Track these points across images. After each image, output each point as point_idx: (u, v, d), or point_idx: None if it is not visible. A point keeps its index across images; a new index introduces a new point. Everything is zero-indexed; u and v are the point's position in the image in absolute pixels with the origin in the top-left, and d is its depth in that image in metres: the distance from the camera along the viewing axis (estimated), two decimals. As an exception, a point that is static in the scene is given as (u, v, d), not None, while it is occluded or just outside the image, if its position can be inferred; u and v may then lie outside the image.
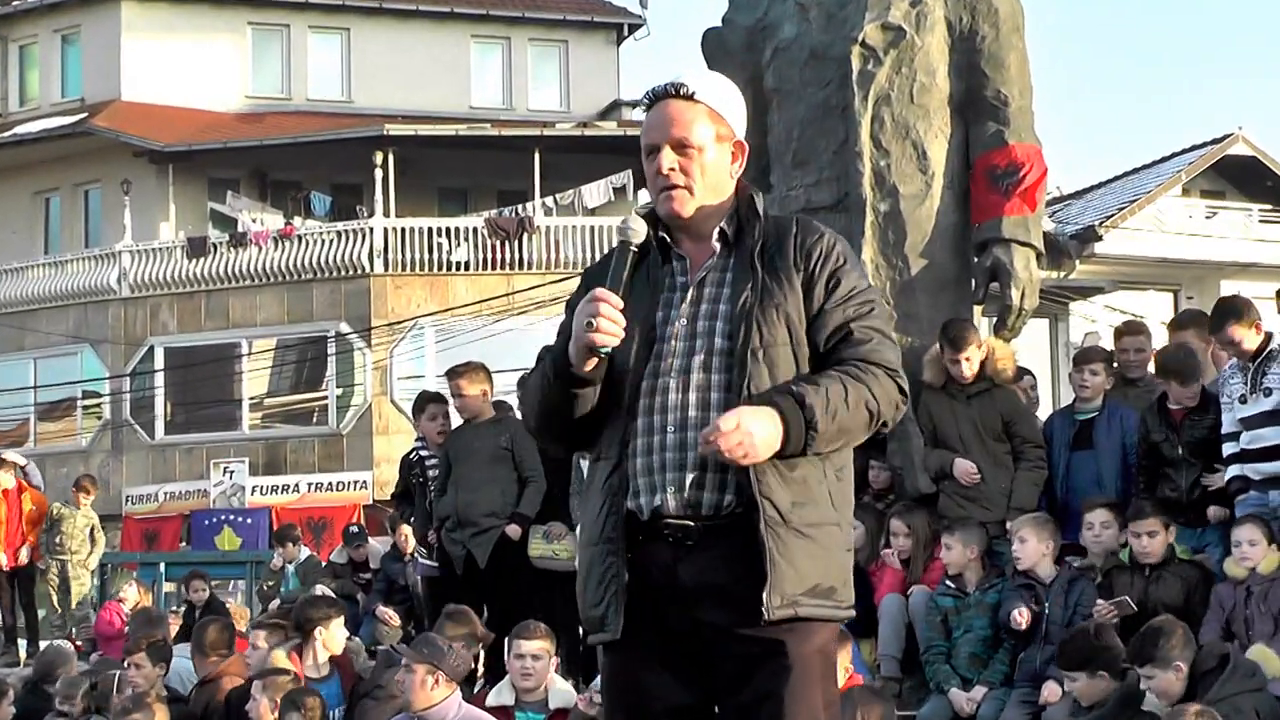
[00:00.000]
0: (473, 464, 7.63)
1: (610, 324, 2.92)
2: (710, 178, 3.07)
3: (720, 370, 2.99)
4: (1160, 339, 8.45)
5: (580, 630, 7.35)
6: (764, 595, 2.89)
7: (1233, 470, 6.34)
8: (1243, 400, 6.31)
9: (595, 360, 2.97)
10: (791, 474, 2.94)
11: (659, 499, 2.97)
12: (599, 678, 3.28)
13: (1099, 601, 6.11)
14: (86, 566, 13.00)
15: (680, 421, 2.98)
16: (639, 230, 3.05)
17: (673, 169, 3.05)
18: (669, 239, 3.11)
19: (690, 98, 3.07)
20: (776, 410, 2.88)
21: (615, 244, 3.07)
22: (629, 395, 3.01)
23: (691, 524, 2.95)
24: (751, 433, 2.84)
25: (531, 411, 3.17)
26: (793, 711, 2.93)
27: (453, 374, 7.98)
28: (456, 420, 8.17)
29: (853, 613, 3.06)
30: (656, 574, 2.97)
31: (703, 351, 3.01)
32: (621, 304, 2.95)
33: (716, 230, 3.09)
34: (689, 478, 2.95)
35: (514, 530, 7.56)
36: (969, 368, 6.85)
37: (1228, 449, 6.37)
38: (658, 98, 3.09)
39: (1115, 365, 7.51)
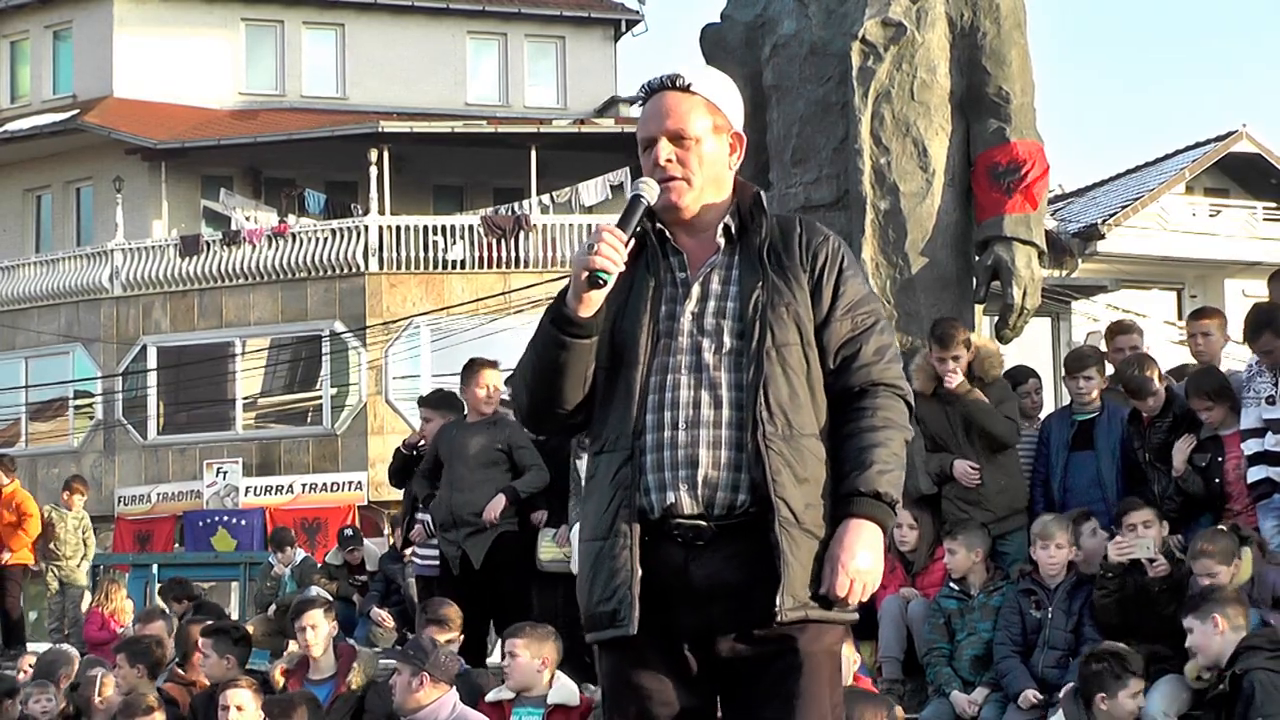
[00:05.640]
0: (467, 464, 7.58)
1: (611, 250, 2.90)
2: (709, 169, 3.06)
3: (731, 369, 2.99)
4: (1159, 338, 8.45)
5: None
6: (778, 597, 2.90)
7: (1257, 472, 6.30)
8: (1270, 401, 6.29)
9: (592, 296, 2.93)
10: (804, 473, 2.96)
11: (671, 497, 2.95)
12: (601, 679, 3.21)
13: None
14: (81, 570, 12.96)
15: (692, 420, 2.96)
16: (653, 189, 3.03)
17: (670, 160, 3.05)
18: (666, 233, 3.09)
19: (686, 89, 3.06)
20: (865, 519, 2.97)
21: (629, 198, 3.05)
22: (639, 389, 2.99)
23: (704, 524, 2.94)
24: (861, 570, 2.95)
25: (524, 381, 3.10)
26: (802, 710, 2.93)
27: (486, 364, 7.88)
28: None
29: (856, 616, 3.08)
30: (667, 574, 2.95)
31: (712, 350, 3.00)
32: (625, 238, 2.94)
33: (720, 226, 3.07)
34: (701, 476, 2.94)
35: (498, 501, 7.45)
36: (958, 367, 6.76)
37: (1250, 446, 6.34)
38: (653, 90, 3.09)
39: (1109, 366, 7.49)
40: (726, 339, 3.00)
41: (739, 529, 2.95)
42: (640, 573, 2.94)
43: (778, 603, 2.90)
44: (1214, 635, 5.38)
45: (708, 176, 3.05)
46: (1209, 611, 5.40)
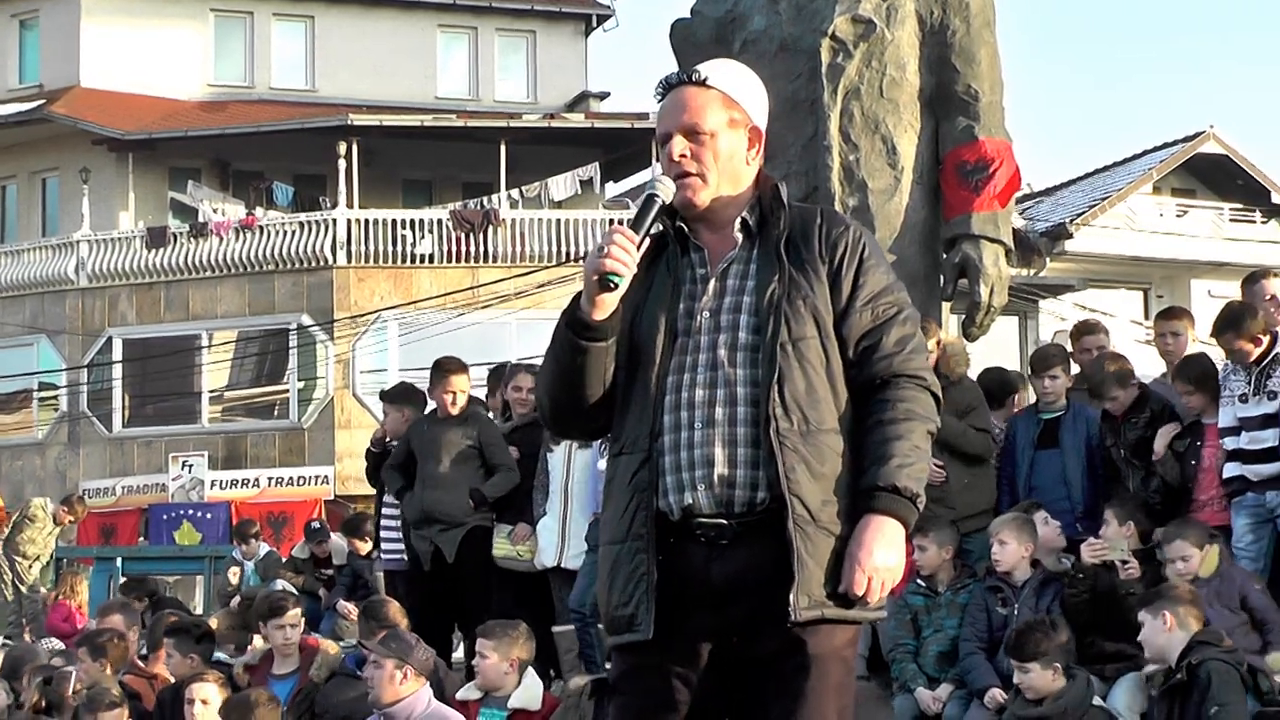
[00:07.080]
0: (440, 461, 7.56)
1: (622, 252, 2.85)
2: (725, 164, 3.02)
3: (746, 365, 2.93)
4: (1125, 337, 8.46)
5: (552, 629, 7.32)
6: (791, 596, 2.85)
7: (1231, 469, 6.30)
8: (1243, 400, 6.29)
9: (605, 299, 2.88)
10: (821, 469, 2.90)
11: (689, 497, 2.91)
12: (611, 679, 3.14)
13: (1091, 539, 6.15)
14: (34, 570, 13.17)
15: (707, 418, 2.91)
16: (668, 188, 2.98)
17: (684, 155, 3.00)
18: (686, 230, 3.05)
19: (702, 84, 3.03)
20: (884, 514, 2.89)
21: (643, 197, 2.99)
22: (655, 389, 2.94)
23: (725, 522, 2.90)
24: (879, 567, 2.87)
25: (545, 385, 3.06)
26: (806, 711, 2.89)
27: (455, 369, 7.80)
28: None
29: (883, 613, 3.03)
30: (688, 575, 2.91)
31: (727, 345, 2.94)
32: (638, 239, 2.89)
33: (738, 220, 3.02)
34: (717, 475, 2.90)
35: (467, 506, 7.46)
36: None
37: (1227, 444, 6.34)
38: (670, 86, 3.05)
39: (1075, 366, 7.49)
40: (742, 334, 2.94)
41: (761, 527, 2.89)
42: (657, 576, 2.90)
43: (791, 601, 2.84)
44: (1162, 632, 5.46)
45: (724, 171, 3.01)
46: (1161, 608, 5.47)
